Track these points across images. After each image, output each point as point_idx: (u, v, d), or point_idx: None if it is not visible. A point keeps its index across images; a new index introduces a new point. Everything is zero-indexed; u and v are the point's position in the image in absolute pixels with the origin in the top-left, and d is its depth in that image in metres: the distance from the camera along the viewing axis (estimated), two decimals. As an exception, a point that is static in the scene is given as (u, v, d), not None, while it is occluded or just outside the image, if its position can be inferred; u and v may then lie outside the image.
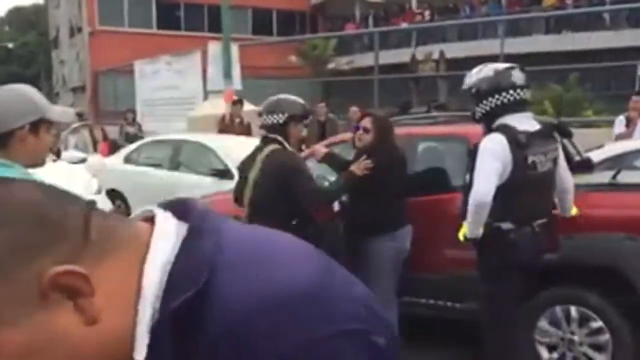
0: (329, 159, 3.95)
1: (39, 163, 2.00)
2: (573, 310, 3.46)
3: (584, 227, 3.52)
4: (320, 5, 28.43)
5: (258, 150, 3.59)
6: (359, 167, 3.52)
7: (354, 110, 10.02)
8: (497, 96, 3.01)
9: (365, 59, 18.75)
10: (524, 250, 3.00)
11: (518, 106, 3.03)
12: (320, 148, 4.01)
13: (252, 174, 3.51)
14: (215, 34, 14.36)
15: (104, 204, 6.41)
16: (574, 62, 14.85)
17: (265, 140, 3.61)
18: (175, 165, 8.09)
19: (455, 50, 18.15)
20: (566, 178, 3.26)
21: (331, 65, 22.46)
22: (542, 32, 19.44)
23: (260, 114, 3.66)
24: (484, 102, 3.05)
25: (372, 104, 12.21)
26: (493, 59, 14.57)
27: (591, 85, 13.71)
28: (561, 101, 13.02)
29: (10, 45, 45.69)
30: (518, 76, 3.05)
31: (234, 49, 11.25)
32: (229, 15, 11.15)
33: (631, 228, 3.38)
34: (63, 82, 29.62)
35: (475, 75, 3.11)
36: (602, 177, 4.01)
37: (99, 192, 6.44)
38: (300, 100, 3.69)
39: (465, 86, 3.16)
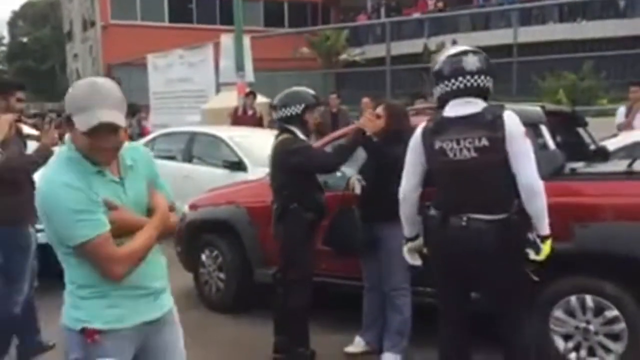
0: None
1: None
2: (588, 300, 3.45)
3: (600, 215, 3.51)
4: (331, -4, 28.34)
5: (274, 140, 3.95)
6: (365, 119, 3.75)
7: (365, 101, 10.01)
8: (446, 82, 2.84)
9: (377, 50, 18.70)
10: (444, 242, 2.87)
11: (466, 92, 2.81)
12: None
13: (269, 162, 3.94)
14: (228, 26, 14.35)
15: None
16: (589, 50, 14.70)
17: (280, 131, 3.93)
18: (188, 158, 8.13)
19: (468, 40, 18.00)
20: (522, 178, 2.74)
21: (343, 57, 22.41)
22: (556, 21, 19.23)
23: (274, 108, 3.97)
24: (439, 86, 2.89)
25: (384, 95, 12.18)
26: (506, 48, 14.49)
27: (606, 73, 13.56)
28: (576, 90, 12.91)
29: (24, 39, 46.02)
30: (470, 61, 2.82)
31: (246, 41, 11.26)
32: (241, 8, 11.15)
33: (647, 217, 3.35)
34: (77, 75, 29.79)
35: (438, 59, 2.97)
36: (618, 165, 3.98)
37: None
38: (310, 90, 4.03)
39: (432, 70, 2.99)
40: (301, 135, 3.85)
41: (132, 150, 2.12)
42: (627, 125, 7.28)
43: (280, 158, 3.81)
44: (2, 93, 3.79)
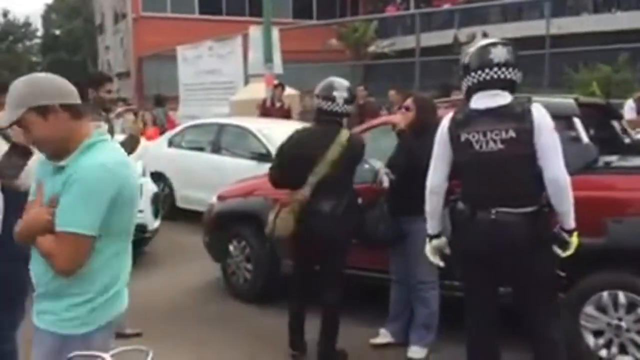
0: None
1: None
2: (621, 296, 3.38)
3: (633, 210, 3.43)
4: (361, -13, 28.16)
5: (330, 132, 3.68)
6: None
7: (392, 93, 9.95)
8: (474, 74, 2.81)
9: (406, 42, 18.51)
10: (472, 236, 2.82)
11: (493, 84, 2.78)
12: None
13: (333, 155, 3.62)
14: (256, 18, 14.38)
15: (149, 186, 6.54)
16: (624, 41, 14.33)
17: (333, 123, 3.72)
18: (217, 149, 8.19)
19: (499, 31, 17.70)
20: (549, 172, 2.71)
21: (372, 48, 22.26)
22: (590, 11, 18.80)
23: (332, 99, 3.70)
24: (466, 78, 2.86)
25: (412, 87, 12.08)
26: (538, 39, 14.23)
27: (642, 65, 13.22)
28: (610, 82, 12.60)
29: (57, 32, 46.79)
30: (498, 54, 2.78)
31: (275, 33, 11.26)
32: (269, -1, 11.15)
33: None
34: (108, 67, 30.18)
35: (467, 51, 2.93)
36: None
37: (143, 174, 6.56)
38: None
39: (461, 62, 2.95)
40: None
41: (82, 158, 1.95)
42: (638, 122, 7.04)
43: (359, 154, 3.74)
44: (93, 86, 4.15)
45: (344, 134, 3.67)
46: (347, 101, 3.72)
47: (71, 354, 1.75)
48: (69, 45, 43.02)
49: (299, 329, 3.92)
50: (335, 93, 3.71)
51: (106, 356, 1.65)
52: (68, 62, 38.93)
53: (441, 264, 3.13)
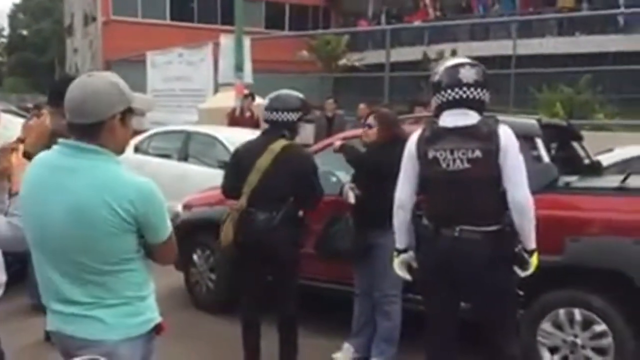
0: (344, 151, 3.94)
1: (122, 150, 1.98)
2: (577, 313, 3.47)
3: (591, 230, 3.53)
4: (333, 1, 28.40)
5: (266, 141, 3.64)
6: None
7: (362, 107, 10.02)
8: (443, 93, 2.84)
9: (376, 56, 18.74)
10: (435, 252, 2.86)
11: (462, 103, 2.81)
12: (337, 141, 3.99)
13: (262, 163, 3.56)
14: (228, 26, 14.37)
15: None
16: (586, 64, 14.77)
17: (274, 133, 3.66)
18: (184, 156, 8.12)
19: (467, 49, 18.07)
20: (512, 194, 2.73)
21: (342, 61, 22.44)
22: (555, 34, 19.34)
23: (275, 110, 3.66)
24: (436, 96, 2.88)
25: (382, 101, 12.19)
26: (505, 59, 14.55)
27: (603, 88, 13.61)
28: (572, 103, 12.96)
29: (24, 32, 45.94)
30: (467, 74, 2.81)
31: (246, 42, 11.25)
32: (241, 8, 11.16)
33: (639, 232, 3.37)
34: (76, 70, 29.74)
35: (437, 69, 2.96)
36: (611, 180, 4.00)
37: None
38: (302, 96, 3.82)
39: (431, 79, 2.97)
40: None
41: None
42: None
43: (297, 166, 3.60)
44: None
45: (279, 143, 3.57)
46: (267, 108, 3.66)
47: None
48: (36, 46, 42.24)
49: (252, 342, 3.80)
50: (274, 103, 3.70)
51: None
52: (34, 63, 38.21)
53: (409, 277, 3.14)
